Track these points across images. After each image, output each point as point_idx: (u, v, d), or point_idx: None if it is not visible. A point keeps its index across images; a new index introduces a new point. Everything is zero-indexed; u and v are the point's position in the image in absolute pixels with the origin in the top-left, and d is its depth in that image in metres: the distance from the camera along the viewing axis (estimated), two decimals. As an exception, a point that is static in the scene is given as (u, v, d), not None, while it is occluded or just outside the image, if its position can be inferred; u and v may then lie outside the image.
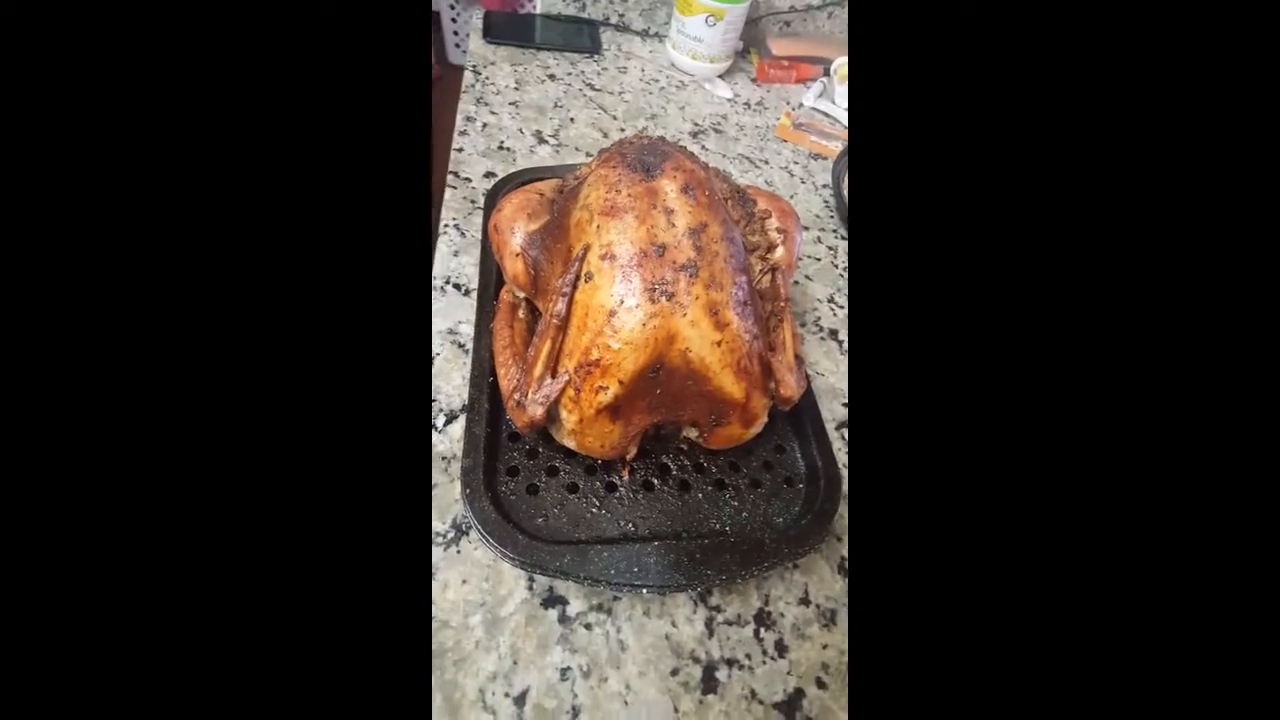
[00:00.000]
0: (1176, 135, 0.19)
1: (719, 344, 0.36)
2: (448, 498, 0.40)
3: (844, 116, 0.84)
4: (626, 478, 0.41)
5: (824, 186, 0.72)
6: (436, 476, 0.40)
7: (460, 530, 0.38)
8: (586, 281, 0.36)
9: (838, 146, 0.78)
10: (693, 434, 0.41)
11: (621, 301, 0.35)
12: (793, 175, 0.74)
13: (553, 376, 0.37)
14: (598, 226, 0.36)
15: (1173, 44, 0.19)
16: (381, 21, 0.22)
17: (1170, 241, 0.19)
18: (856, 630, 0.21)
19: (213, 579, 0.19)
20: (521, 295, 0.43)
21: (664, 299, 0.34)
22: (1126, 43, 0.20)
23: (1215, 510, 0.18)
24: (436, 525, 0.38)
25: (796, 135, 0.79)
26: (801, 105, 0.85)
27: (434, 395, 0.44)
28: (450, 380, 0.45)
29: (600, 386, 0.35)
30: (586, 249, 0.36)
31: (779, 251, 0.44)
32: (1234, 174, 0.19)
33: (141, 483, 0.19)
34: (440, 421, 0.43)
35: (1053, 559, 0.19)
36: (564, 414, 0.37)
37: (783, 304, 0.39)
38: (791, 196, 0.70)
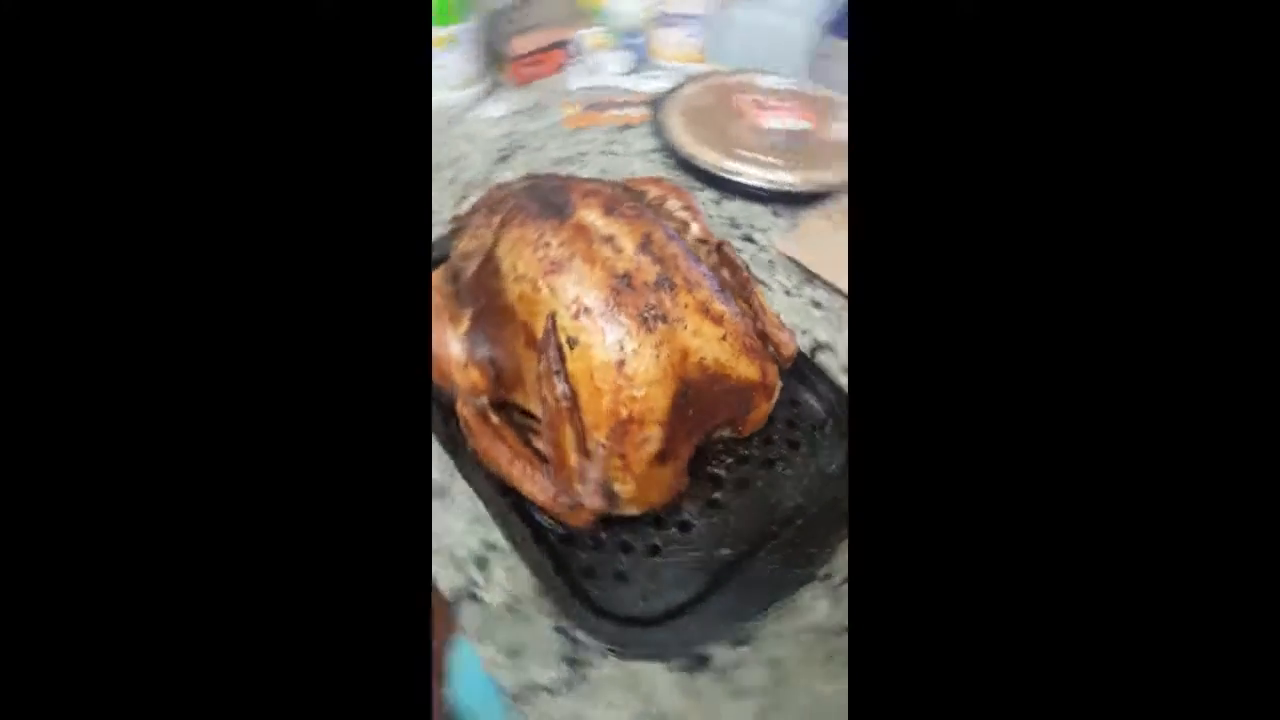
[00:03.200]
0: (1175, 125, 0.18)
1: (724, 338, 0.34)
2: (539, 637, 0.35)
3: (626, 81, 0.84)
4: (692, 509, 0.38)
5: (652, 151, 0.72)
6: (514, 628, 0.35)
7: (575, 663, 0.34)
8: (573, 348, 0.32)
9: (640, 111, 0.77)
10: (725, 433, 0.40)
11: (622, 347, 0.32)
12: (616, 155, 0.73)
13: (588, 458, 0.33)
14: (549, 290, 0.33)
15: (1173, 37, 0.18)
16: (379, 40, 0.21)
17: (1166, 235, 0.18)
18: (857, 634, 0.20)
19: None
20: (484, 400, 0.38)
21: (660, 323, 0.32)
22: (1125, 37, 0.19)
23: (1221, 547, 0.17)
24: (549, 674, 0.34)
25: (592, 117, 0.78)
26: (576, 89, 0.84)
27: (451, 549, 0.38)
28: (452, 529, 0.39)
29: (643, 439, 0.33)
30: (552, 317, 0.33)
31: (694, 228, 0.43)
32: (1233, 174, 0.18)
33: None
34: (478, 576, 0.37)
35: (1050, 561, 0.19)
36: (618, 486, 0.34)
37: (745, 274, 0.39)
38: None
